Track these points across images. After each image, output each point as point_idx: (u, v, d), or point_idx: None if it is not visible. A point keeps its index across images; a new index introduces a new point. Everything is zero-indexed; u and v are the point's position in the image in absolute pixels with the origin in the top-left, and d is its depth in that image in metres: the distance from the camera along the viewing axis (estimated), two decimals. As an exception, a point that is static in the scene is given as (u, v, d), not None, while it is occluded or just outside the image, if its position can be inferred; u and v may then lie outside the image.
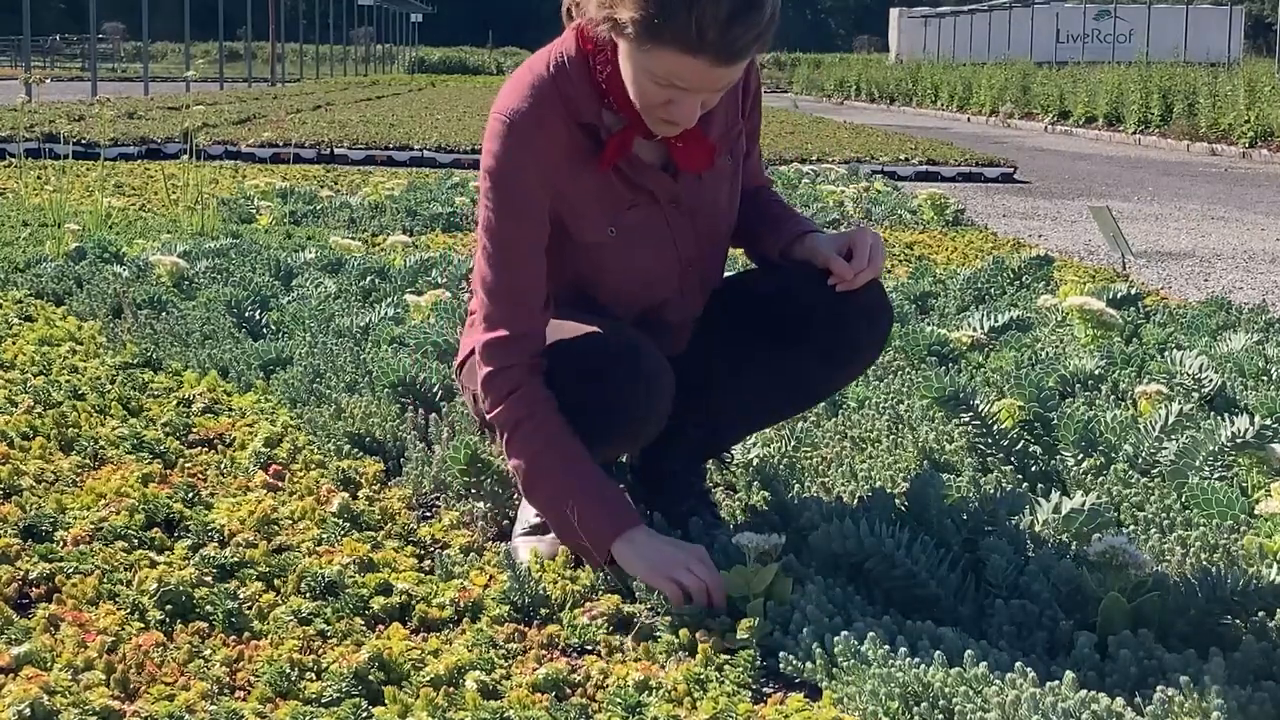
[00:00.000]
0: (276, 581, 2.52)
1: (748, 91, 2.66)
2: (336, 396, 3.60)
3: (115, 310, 4.80)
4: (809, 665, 2.17)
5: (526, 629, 2.37)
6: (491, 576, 2.56)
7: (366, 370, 3.81)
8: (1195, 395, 3.69)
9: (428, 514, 3.01)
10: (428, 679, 2.14)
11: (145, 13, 28.48)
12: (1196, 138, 20.00)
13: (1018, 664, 2.06)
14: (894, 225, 8.53)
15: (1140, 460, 3.20)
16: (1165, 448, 3.19)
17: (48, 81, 15.51)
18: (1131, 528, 2.75)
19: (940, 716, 2.00)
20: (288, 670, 2.14)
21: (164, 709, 2.01)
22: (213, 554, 2.60)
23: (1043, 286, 5.62)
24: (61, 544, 2.64)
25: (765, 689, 2.19)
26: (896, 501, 2.69)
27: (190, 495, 2.93)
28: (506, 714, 2.05)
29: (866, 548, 2.40)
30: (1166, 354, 4.07)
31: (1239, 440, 3.05)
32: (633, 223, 2.56)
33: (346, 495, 2.96)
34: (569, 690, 2.16)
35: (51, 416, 3.43)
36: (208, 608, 2.37)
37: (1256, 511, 2.76)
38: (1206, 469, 3.06)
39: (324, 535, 2.77)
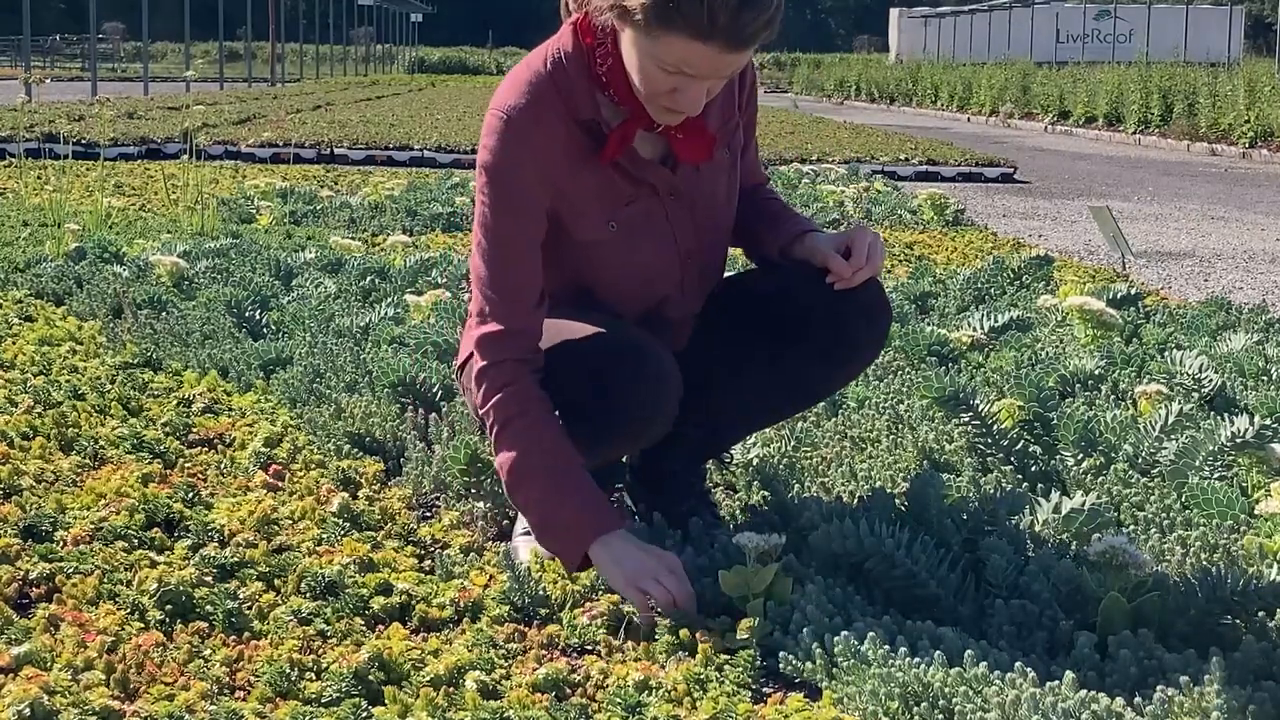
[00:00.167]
0: (276, 581, 2.52)
1: (744, 85, 2.66)
2: (336, 396, 3.60)
3: (115, 310, 4.80)
4: (809, 665, 2.17)
5: (526, 629, 2.37)
6: (491, 576, 2.56)
7: (366, 370, 3.81)
8: (1195, 395, 3.69)
9: (428, 514, 3.01)
10: (428, 679, 2.14)
11: (145, 13, 28.48)
12: (1196, 138, 20.00)
13: (1018, 664, 2.06)
14: (894, 225, 8.53)
15: (1140, 460, 3.20)
16: (1165, 448, 3.19)
17: (48, 81, 15.50)
18: (1131, 528, 2.75)
19: (940, 716, 2.00)
20: (288, 670, 2.14)
21: (164, 709, 2.01)
22: (213, 554, 2.60)
23: (1043, 286, 5.63)
24: (61, 544, 2.64)
25: (765, 689, 2.19)
26: (896, 501, 2.69)
27: (190, 495, 2.93)
28: (506, 714, 2.05)
29: (866, 548, 2.40)
30: (1166, 354, 4.07)
31: (1239, 440, 3.05)
32: (632, 217, 2.56)
33: (346, 495, 2.96)
34: (569, 690, 2.16)
35: (51, 416, 3.43)
36: (208, 608, 2.37)
37: (1256, 511, 2.76)
38: (1206, 469, 3.06)
39: (324, 535, 2.77)
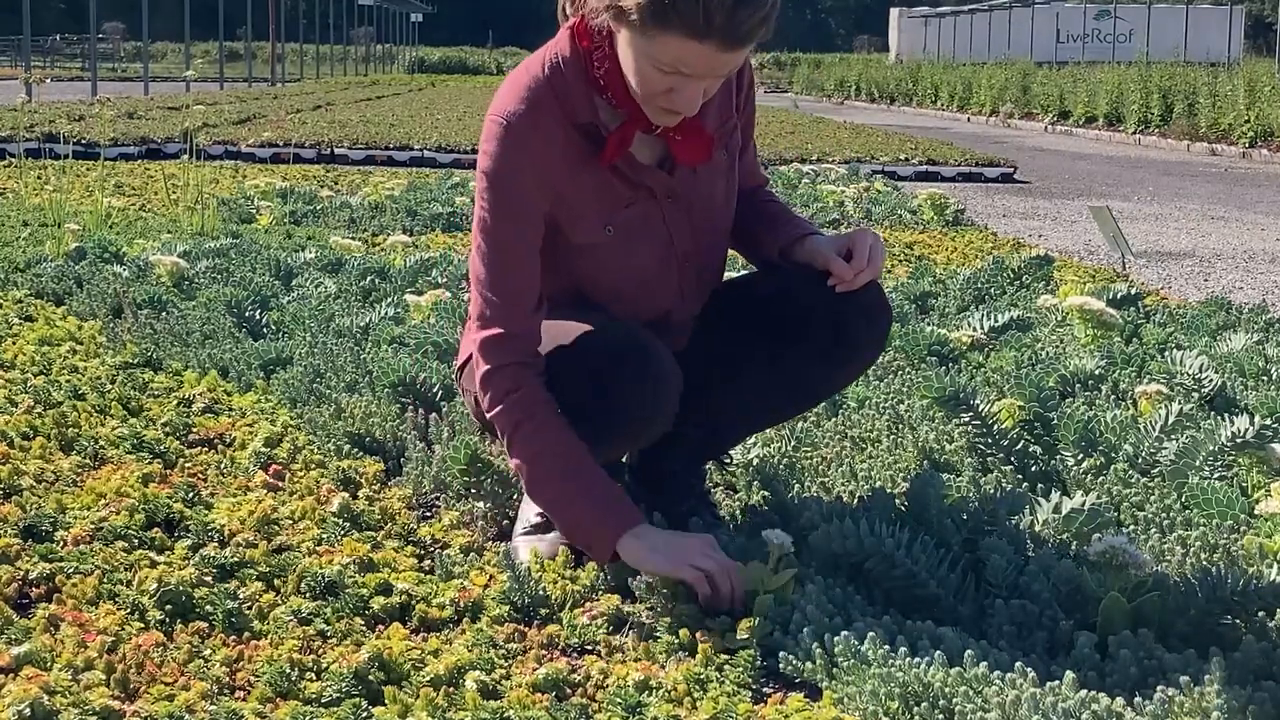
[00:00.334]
0: (276, 581, 2.52)
1: (741, 85, 2.66)
2: (336, 396, 3.60)
3: (115, 310, 4.80)
4: (809, 665, 2.17)
5: (526, 629, 2.37)
6: (491, 576, 2.56)
7: (366, 370, 3.81)
8: (1195, 395, 3.69)
9: (428, 514, 3.01)
10: (428, 679, 2.14)
11: (145, 13, 28.48)
12: (1196, 138, 20.00)
13: (1018, 664, 2.07)
14: (894, 225, 8.53)
15: (1140, 460, 3.20)
16: (1165, 448, 3.19)
17: (48, 81, 15.49)
18: (1131, 528, 2.75)
19: (940, 716, 2.00)
20: (288, 670, 2.14)
21: (164, 709, 2.01)
22: (213, 554, 2.60)
23: (1043, 286, 5.62)
24: (61, 544, 2.64)
25: (765, 689, 2.19)
26: (896, 501, 2.69)
27: (190, 495, 2.93)
28: (506, 714, 2.05)
29: (866, 548, 2.41)
30: (1166, 354, 4.07)
31: (1239, 440, 3.05)
32: (629, 221, 2.56)
33: (346, 495, 2.96)
34: (569, 690, 2.16)
35: (51, 416, 3.43)
36: (208, 608, 2.37)
37: (1256, 511, 2.76)
38: (1206, 469, 3.06)
39: (324, 535, 2.77)
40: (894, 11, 57.04)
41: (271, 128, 15.43)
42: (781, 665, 2.20)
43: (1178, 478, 3.03)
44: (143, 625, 2.31)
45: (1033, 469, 3.12)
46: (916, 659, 2.09)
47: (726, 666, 2.22)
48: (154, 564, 2.57)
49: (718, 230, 2.69)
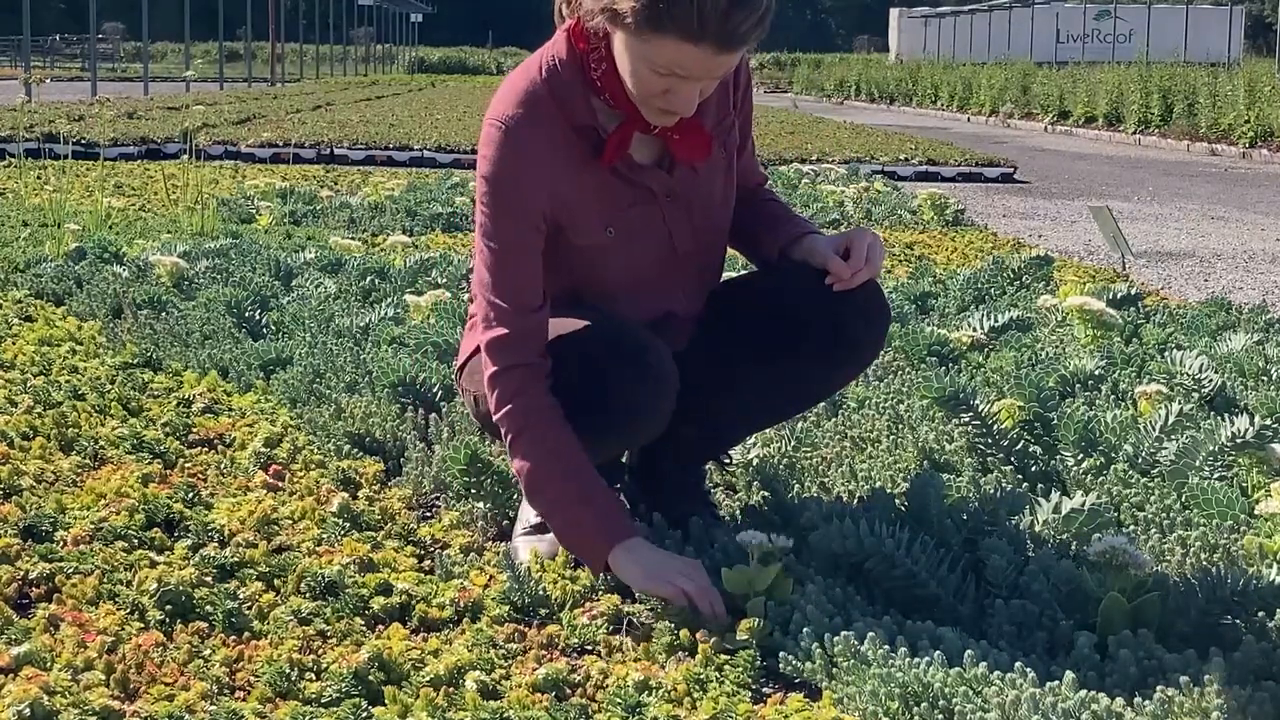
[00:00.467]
0: (276, 581, 2.52)
1: (738, 84, 2.66)
2: (336, 396, 3.60)
3: (115, 310, 4.80)
4: (809, 665, 2.17)
5: (526, 629, 2.37)
6: (491, 576, 2.56)
7: (366, 370, 3.81)
8: (1195, 395, 3.69)
9: (428, 514, 3.01)
10: (428, 679, 2.14)
11: (145, 13, 28.48)
12: (1196, 138, 20.00)
13: (1018, 664, 2.07)
14: (894, 225, 8.53)
15: (1140, 460, 3.20)
16: (1165, 448, 3.19)
17: (48, 81, 15.49)
18: (1131, 528, 2.75)
19: (940, 716, 2.00)
20: (288, 670, 2.14)
21: (164, 709, 2.01)
22: (213, 554, 2.60)
23: (1043, 286, 5.62)
24: (61, 544, 2.64)
25: (765, 689, 2.19)
26: (896, 501, 2.69)
27: (190, 495, 2.93)
28: (506, 714, 2.05)
29: (866, 548, 2.41)
30: (1166, 354, 4.07)
31: (1239, 440, 3.05)
32: (630, 221, 2.56)
33: (346, 495, 2.96)
34: (569, 690, 2.16)
35: (51, 416, 3.43)
36: (208, 608, 2.37)
37: (1256, 511, 2.76)
38: (1206, 469, 3.06)
39: (324, 535, 2.77)
40: (894, 11, 57.04)
41: (271, 128, 15.43)
42: (781, 665, 2.20)
43: (1178, 478, 3.03)
44: (143, 625, 2.31)
45: (1033, 469, 3.12)
46: (916, 659, 2.09)
47: (726, 666, 2.22)
48: (154, 564, 2.57)
49: (717, 229, 2.69)
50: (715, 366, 2.69)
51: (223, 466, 3.23)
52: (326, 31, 49.76)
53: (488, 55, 68.86)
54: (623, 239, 2.56)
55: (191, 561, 2.58)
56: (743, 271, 3.10)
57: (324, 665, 2.18)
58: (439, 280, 5.24)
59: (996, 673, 2.04)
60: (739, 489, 3.04)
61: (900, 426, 3.40)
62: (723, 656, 2.24)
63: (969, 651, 2.11)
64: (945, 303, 5.19)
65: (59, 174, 9.36)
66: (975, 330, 4.41)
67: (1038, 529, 2.64)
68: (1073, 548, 2.57)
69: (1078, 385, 3.88)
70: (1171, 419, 3.26)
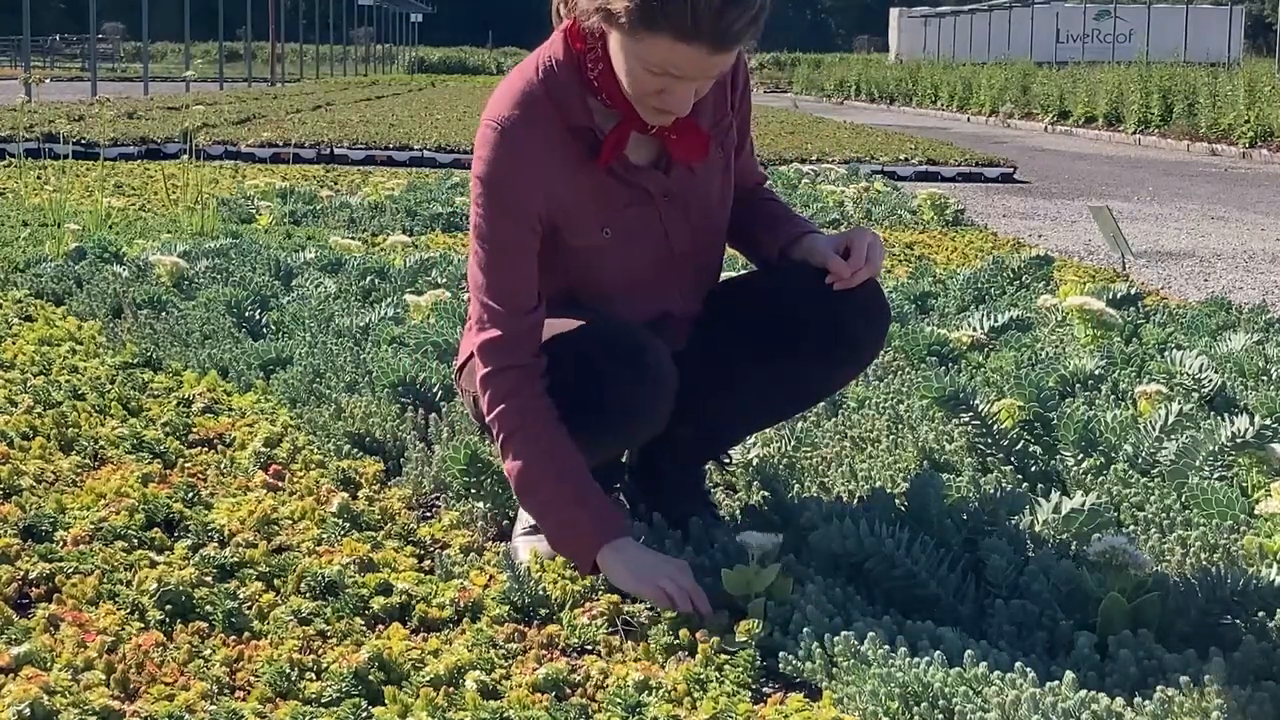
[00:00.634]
0: (276, 581, 2.52)
1: (736, 83, 2.66)
2: (336, 396, 3.60)
3: (115, 310, 4.80)
4: (809, 665, 2.17)
5: (526, 629, 2.37)
6: (491, 576, 2.56)
7: (366, 370, 3.81)
8: (1195, 395, 3.69)
9: (428, 514, 3.01)
10: (428, 679, 2.14)
11: (145, 13, 28.48)
12: (1196, 138, 20.00)
13: (1018, 664, 2.07)
14: (894, 225, 8.53)
15: (1140, 460, 3.20)
16: (1165, 448, 3.19)
17: (47, 81, 15.49)
18: (1131, 528, 2.75)
19: (940, 716, 2.00)
20: (288, 670, 2.14)
21: (164, 709, 2.01)
22: (213, 554, 2.60)
23: (1043, 286, 5.62)
24: (61, 544, 2.64)
25: (765, 689, 2.19)
26: (896, 501, 2.69)
27: (190, 495, 2.93)
28: (506, 714, 2.05)
29: (866, 548, 2.41)
30: (1166, 354, 4.07)
31: (1239, 440, 3.05)
32: (627, 222, 2.56)
33: (346, 495, 2.96)
34: (569, 690, 2.16)
35: (51, 416, 3.43)
36: (208, 608, 2.37)
37: (1256, 511, 2.76)
38: (1206, 469, 3.06)
39: (324, 535, 2.77)
40: (894, 11, 57.04)
41: (271, 128, 15.43)
42: (781, 665, 2.20)
43: (1178, 478, 3.03)
44: (143, 625, 2.31)
45: (1033, 469, 3.12)
46: (916, 659, 2.09)
47: (726, 666, 2.22)
48: (154, 564, 2.57)
49: (715, 229, 2.69)
50: (714, 366, 2.69)
51: (223, 466, 3.23)
52: (326, 31, 49.76)
53: (488, 55, 68.86)
54: (619, 240, 2.56)
55: (191, 561, 2.58)
56: (742, 271, 3.10)
57: (324, 665, 2.18)
58: (439, 280, 5.24)
59: (996, 673, 2.04)
60: (739, 489, 3.04)
61: (900, 426, 3.40)
62: (723, 656, 2.24)
63: (969, 651, 2.11)
64: (945, 303, 5.19)
65: (59, 174, 9.35)
66: (975, 330, 4.41)
67: (1038, 529, 2.64)
68: (1073, 548, 2.57)
69: (1078, 385, 3.88)
70: (1171, 419, 3.26)
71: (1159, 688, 1.99)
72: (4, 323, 4.71)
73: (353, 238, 6.82)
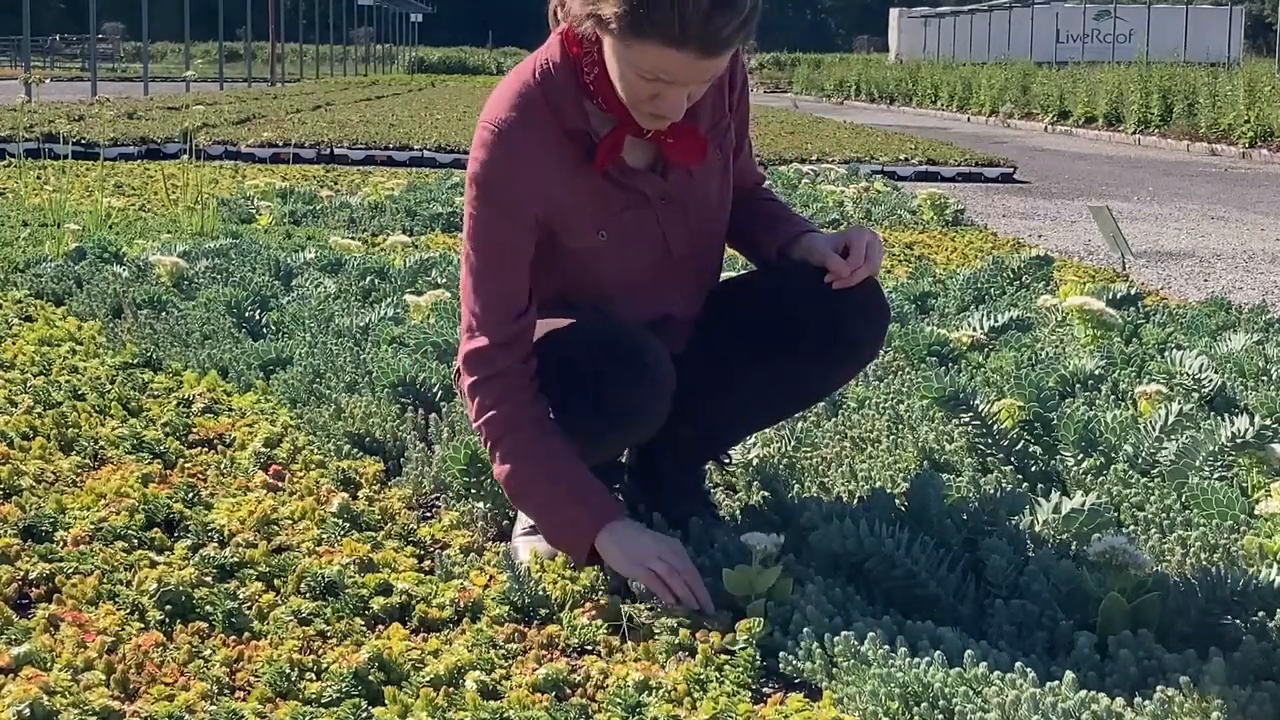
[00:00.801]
0: (276, 581, 2.52)
1: (733, 86, 2.66)
2: (336, 396, 3.60)
3: (115, 310, 4.80)
4: (809, 665, 2.17)
5: (526, 629, 2.37)
6: (491, 576, 2.56)
7: (366, 370, 3.81)
8: (1195, 395, 3.69)
9: (428, 514, 3.01)
10: (428, 679, 2.14)
11: (145, 13, 28.48)
12: (1196, 138, 20.00)
13: (1018, 664, 2.07)
14: (894, 225, 8.53)
15: (1140, 460, 3.20)
16: (1165, 448, 3.19)
17: (47, 81, 15.48)
18: (1131, 528, 2.75)
19: (940, 716, 2.00)
20: (288, 670, 2.14)
21: (164, 709, 2.01)
22: (213, 554, 2.60)
23: (1043, 286, 5.62)
24: (61, 544, 2.64)
25: (765, 689, 2.19)
26: (896, 501, 2.69)
27: (190, 495, 2.93)
28: (506, 714, 2.05)
29: (866, 548, 2.41)
30: (1166, 354, 4.07)
31: (1239, 440, 3.05)
32: (624, 225, 2.56)
33: (346, 495, 2.96)
34: (569, 690, 2.16)
35: (51, 416, 3.43)
36: (208, 608, 2.37)
37: (1256, 511, 2.76)
38: (1206, 469, 3.06)
39: (324, 535, 2.77)
40: (894, 11, 57.03)
41: (271, 128, 15.43)
42: (781, 665, 2.20)
43: (1178, 478, 3.03)
44: (143, 625, 2.31)
45: (1033, 469, 3.12)
46: (916, 659, 2.09)
47: (726, 666, 2.22)
48: (154, 564, 2.57)
49: (714, 231, 2.69)
50: (714, 366, 2.69)
51: (223, 466, 3.23)
52: (326, 31, 49.76)
53: (488, 55, 68.85)
54: (616, 243, 2.56)
55: (191, 561, 2.58)
56: (742, 271, 3.10)
57: (324, 665, 2.18)
58: (439, 280, 5.24)
59: (996, 673, 2.04)
60: (739, 489, 3.04)
61: (900, 426, 3.40)
62: (723, 656, 2.24)
63: (969, 651, 2.11)
64: (945, 303, 5.19)
65: (59, 174, 9.35)
66: (975, 330, 4.41)
67: (1038, 529, 2.64)
68: (1073, 548, 2.57)
69: (1078, 385, 3.88)
70: (1171, 419, 3.27)
71: (1159, 688, 1.99)
72: (4, 323, 4.71)
73: (353, 238, 6.82)
